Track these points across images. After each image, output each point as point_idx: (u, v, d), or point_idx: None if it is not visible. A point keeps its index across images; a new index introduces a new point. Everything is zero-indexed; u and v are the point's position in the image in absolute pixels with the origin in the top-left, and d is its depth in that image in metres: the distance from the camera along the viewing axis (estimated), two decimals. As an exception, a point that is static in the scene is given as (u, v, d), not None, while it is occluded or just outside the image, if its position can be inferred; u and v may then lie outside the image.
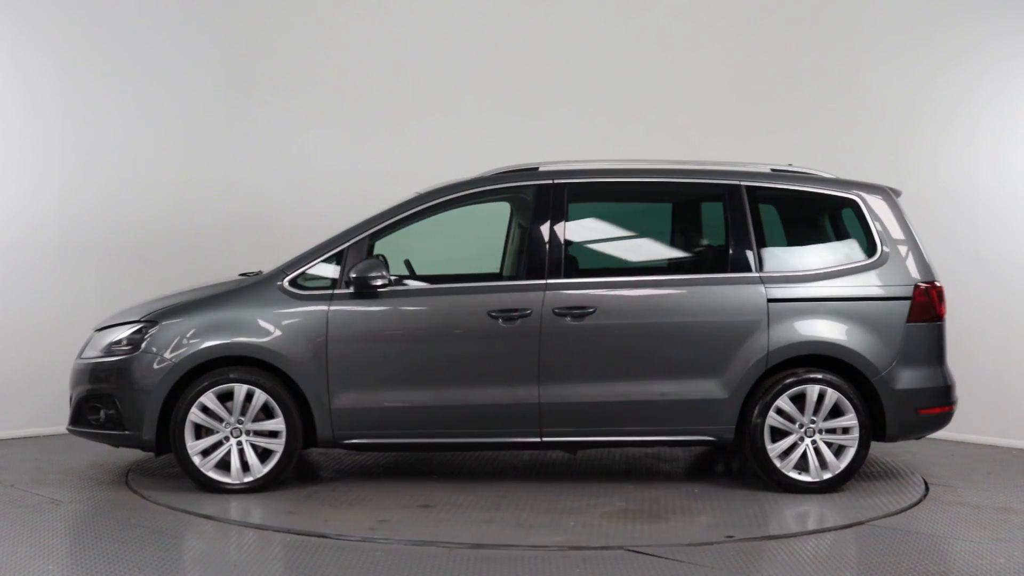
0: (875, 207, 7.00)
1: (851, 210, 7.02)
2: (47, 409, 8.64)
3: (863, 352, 6.71)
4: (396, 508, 6.35)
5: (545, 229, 6.86)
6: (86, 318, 8.82)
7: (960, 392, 8.50)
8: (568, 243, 6.89)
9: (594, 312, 6.72)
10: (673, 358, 6.74)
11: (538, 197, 6.94)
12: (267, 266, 9.29)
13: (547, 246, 6.82)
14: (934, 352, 6.88)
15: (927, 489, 6.90)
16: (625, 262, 7.31)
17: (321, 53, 10.04)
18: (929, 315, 6.84)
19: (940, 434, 8.49)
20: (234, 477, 6.64)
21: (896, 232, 6.95)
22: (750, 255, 6.82)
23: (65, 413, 8.68)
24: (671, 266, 7.21)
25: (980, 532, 5.96)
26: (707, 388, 6.70)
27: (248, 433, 6.67)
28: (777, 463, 6.69)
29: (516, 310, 6.71)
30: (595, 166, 7.17)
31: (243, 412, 6.67)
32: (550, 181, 6.96)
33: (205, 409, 6.64)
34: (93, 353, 6.98)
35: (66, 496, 6.63)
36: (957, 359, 8.48)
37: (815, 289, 6.78)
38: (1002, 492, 6.90)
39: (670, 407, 6.72)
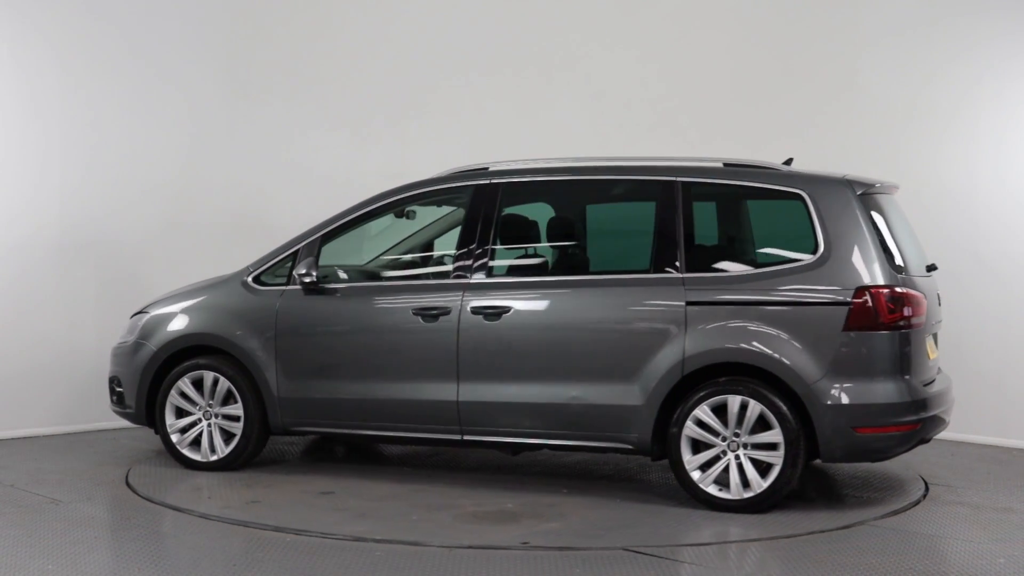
0: (824, 203, 6.31)
1: (796, 206, 6.38)
2: (47, 409, 8.65)
3: (788, 361, 6.09)
4: (296, 492, 6.70)
5: (475, 228, 6.86)
6: (86, 318, 8.83)
7: (960, 392, 8.49)
8: (495, 242, 6.85)
9: (509, 312, 6.65)
10: (586, 361, 6.49)
11: (474, 197, 6.96)
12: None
13: (475, 245, 6.83)
14: (880, 364, 6.12)
15: (927, 489, 6.89)
16: (548, 261, 7.03)
17: (321, 53, 10.04)
18: (872, 322, 6.08)
19: (940, 434, 8.52)
20: (202, 455, 7.23)
21: (847, 230, 6.24)
22: (675, 255, 6.43)
23: (64, 413, 8.75)
24: (594, 265, 6.94)
25: (980, 532, 5.96)
26: (620, 393, 6.39)
27: (216, 416, 7.22)
28: (695, 476, 6.24)
29: (436, 308, 6.77)
30: (536, 165, 7.05)
31: (213, 397, 7.24)
32: (487, 181, 6.97)
33: (183, 392, 7.26)
34: (119, 338, 7.73)
35: (66, 496, 6.63)
36: (957, 359, 8.49)
37: (741, 292, 6.28)
38: (1002, 492, 6.89)
39: (583, 411, 6.49)
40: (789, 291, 6.21)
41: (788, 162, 6.92)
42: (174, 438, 7.28)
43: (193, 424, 7.25)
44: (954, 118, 8.62)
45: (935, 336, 6.80)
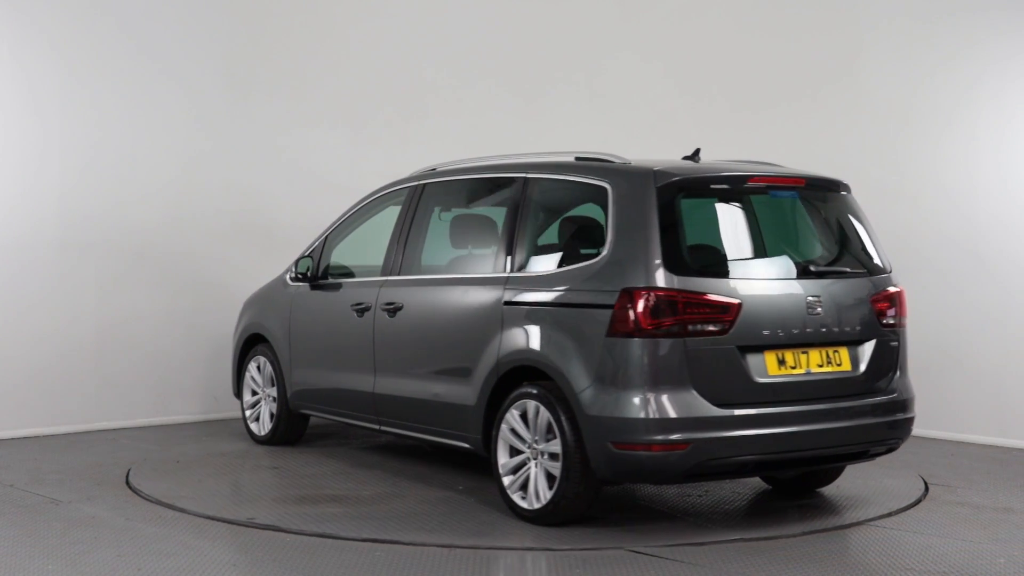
0: (619, 196, 5.83)
1: (600, 201, 5.96)
2: (47, 409, 8.64)
3: (562, 367, 5.76)
4: (246, 470, 7.49)
5: (399, 227, 7.14)
6: (86, 318, 8.83)
7: (960, 392, 8.50)
8: (407, 242, 7.04)
9: (403, 309, 6.86)
10: (441, 359, 6.59)
11: (407, 199, 7.24)
12: (267, 264, 9.44)
13: (396, 244, 7.11)
14: (643, 375, 5.53)
15: (927, 489, 6.89)
16: (433, 261, 7.08)
17: (322, 53, 10.03)
18: (632, 328, 5.54)
19: (940, 434, 8.54)
20: (258, 431, 8.23)
21: (633, 226, 5.73)
22: (507, 254, 6.29)
23: (64, 413, 8.74)
24: (462, 265, 6.85)
25: (980, 532, 5.95)
26: (461, 393, 6.38)
27: (268, 398, 8.14)
28: (505, 482, 6.06)
29: (363, 304, 7.16)
30: (457, 166, 7.14)
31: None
32: (417, 183, 7.21)
33: (252, 376, 8.27)
34: None
35: (66, 496, 6.63)
36: (957, 359, 8.50)
37: (540, 293, 6.00)
38: (1002, 492, 6.89)
39: (440, 409, 6.56)
40: (572, 292, 5.85)
41: (695, 154, 6.41)
42: (247, 413, 8.32)
43: (258, 402, 8.26)
44: (954, 118, 8.61)
45: (854, 345, 6.04)
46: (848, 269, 6.23)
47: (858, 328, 6.07)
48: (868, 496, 6.67)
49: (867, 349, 6.10)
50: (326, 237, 7.78)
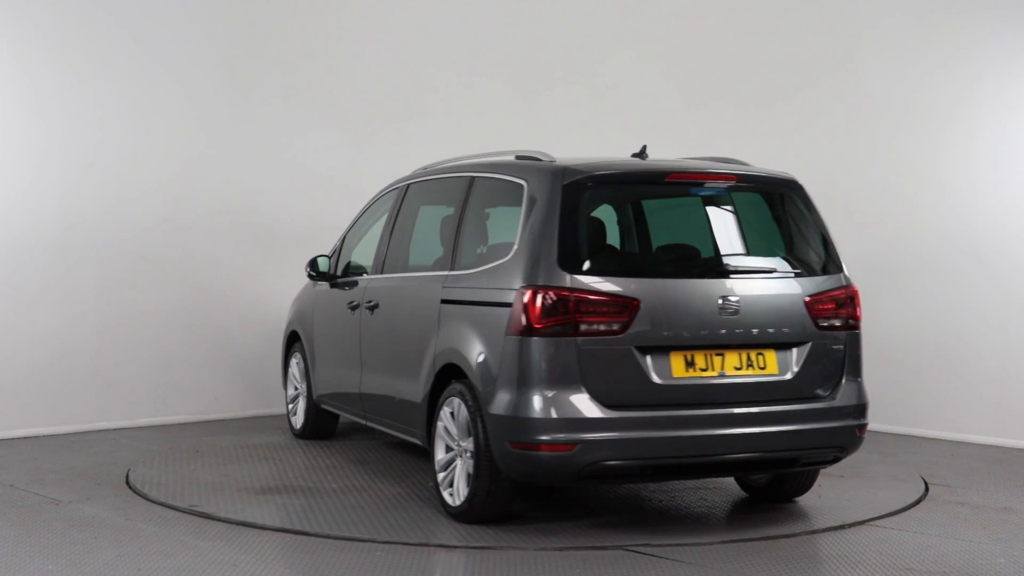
0: (531, 194, 5.75)
1: (520, 198, 5.86)
2: (47, 409, 8.64)
3: (472, 365, 5.74)
4: (246, 463, 7.66)
5: (387, 227, 7.25)
6: (86, 318, 8.82)
7: (960, 392, 8.49)
8: (390, 241, 7.15)
9: (378, 307, 6.99)
10: (400, 355, 6.65)
11: (394, 198, 7.37)
12: (267, 265, 9.45)
13: (382, 244, 7.25)
14: (536, 374, 5.44)
15: (927, 489, 6.89)
16: (410, 260, 7.08)
17: (322, 53, 10.04)
18: (524, 327, 5.46)
19: (940, 434, 8.55)
20: (295, 424, 8.46)
21: (537, 223, 5.63)
22: (451, 252, 6.31)
23: (63, 413, 8.74)
24: (424, 263, 6.86)
25: (980, 532, 5.96)
26: (411, 389, 6.43)
27: (303, 393, 8.32)
28: (440, 478, 6.08)
29: (352, 301, 7.33)
30: (440, 166, 7.16)
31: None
32: (404, 183, 7.33)
33: (293, 372, 8.50)
34: None
35: (66, 496, 6.63)
36: (957, 359, 8.50)
37: (463, 291, 6.02)
38: (1002, 492, 6.89)
39: (400, 406, 6.66)
40: (484, 290, 5.83)
41: (642, 151, 6.23)
42: (289, 408, 8.56)
43: (297, 397, 8.48)
44: (953, 118, 8.62)
45: (784, 348, 5.79)
46: (777, 268, 5.97)
47: (786, 330, 5.79)
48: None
49: (800, 353, 5.83)
50: (344, 236, 7.92)
